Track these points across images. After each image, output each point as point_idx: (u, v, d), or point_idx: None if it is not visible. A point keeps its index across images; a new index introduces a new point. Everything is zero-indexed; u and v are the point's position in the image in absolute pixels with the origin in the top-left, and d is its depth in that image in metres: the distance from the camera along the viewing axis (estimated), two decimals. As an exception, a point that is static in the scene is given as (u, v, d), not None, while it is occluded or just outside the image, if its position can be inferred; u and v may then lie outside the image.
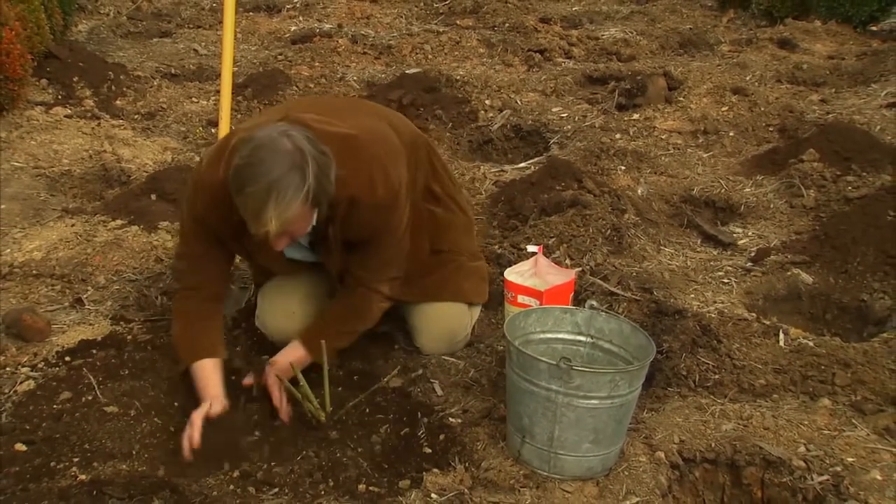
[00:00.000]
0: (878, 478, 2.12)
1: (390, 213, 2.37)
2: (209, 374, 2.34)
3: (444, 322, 2.68)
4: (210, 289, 2.45)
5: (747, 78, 5.26)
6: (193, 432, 2.18)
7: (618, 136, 4.54)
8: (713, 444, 2.26)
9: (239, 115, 4.75)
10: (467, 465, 2.19)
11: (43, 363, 2.56)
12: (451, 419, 2.40)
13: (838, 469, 2.16)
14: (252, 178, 2.01)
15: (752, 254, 3.31)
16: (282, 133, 2.07)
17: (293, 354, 2.43)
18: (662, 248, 3.38)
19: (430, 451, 2.27)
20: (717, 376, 2.53)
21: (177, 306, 2.48)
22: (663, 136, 4.55)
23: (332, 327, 2.47)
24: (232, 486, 2.10)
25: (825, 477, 2.14)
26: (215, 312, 2.47)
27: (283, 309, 2.63)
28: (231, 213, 2.18)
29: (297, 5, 7.47)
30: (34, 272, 3.06)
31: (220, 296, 2.50)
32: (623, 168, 4.10)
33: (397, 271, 2.51)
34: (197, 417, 2.21)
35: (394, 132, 2.48)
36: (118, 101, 4.99)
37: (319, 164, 2.07)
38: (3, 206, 3.57)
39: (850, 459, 2.19)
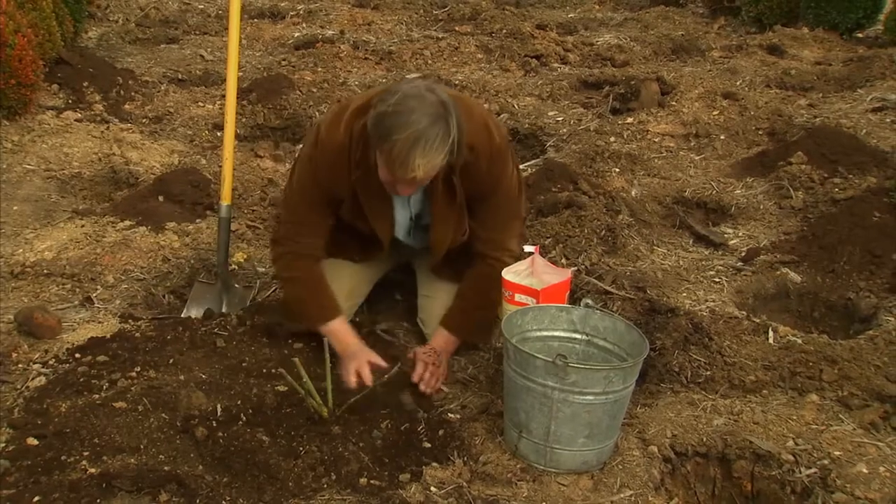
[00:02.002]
0: (864, 471, 2.15)
1: (506, 161, 2.47)
2: (346, 333, 2.56)
3: None
4: (318, 254, 2.59)
5: (737, 83, 5.30)
6: (364, 371, 2.42)
7: (612, 139, 4.56)
8: (705, 439, 2.28)
9: (243, 119, 4.78)
10: (466, 458, 2.21)
11: (54, 360, 2.58)
12: (450, 414, 2.43)
13: (825, 462, 2.18)
14: (401, 126, 2.08)
15: (743, 254, 3.33)
16: (426, 87, 2.17)
17: (440, 340, 2.59)
18: (655, 248, 3.40)
19: (429, 445, 2.29)
20: (708, 373, 2.54)
21: (288, 272, 2.61)
22: (656, 140, 4.58)
23: (472, 303, 2.58)
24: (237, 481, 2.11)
25: (813, 470, 2.16)
26: (324, 275, 2.62)
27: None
28: (349, 174, 2.32)
29: (301, 12, 7.48)
30: (45, 271, 3.09)
31: (322, 255, 2.64)
32: (617, 170, 4.12)
33: (521, 226, 2.63)
34: (364, 364, 2.45)
35: None
36: (127, 106, 5.03)
37: (458, 118, 2.15)
38: (15, 208, 3.60)
39: (836, 453, 2.21)
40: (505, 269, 2.61)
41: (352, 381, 2.44)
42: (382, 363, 2.50)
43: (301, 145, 2.69)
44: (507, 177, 2.50)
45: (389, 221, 2.58)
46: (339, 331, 2.57)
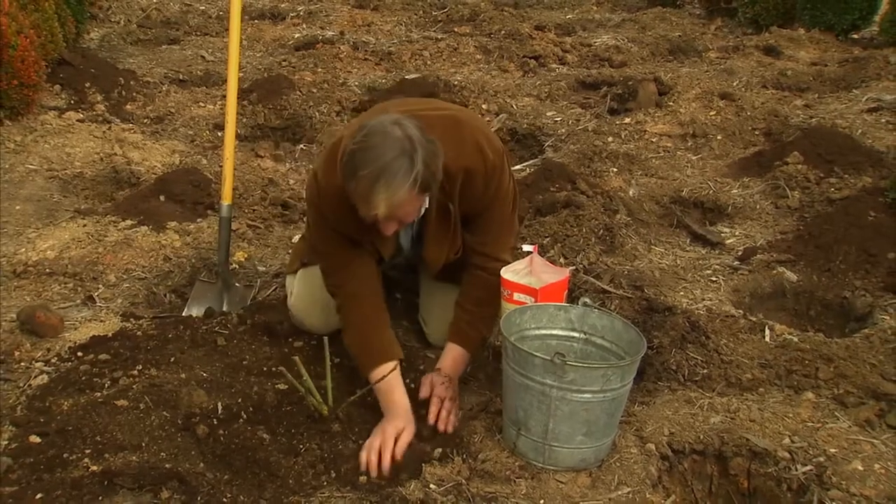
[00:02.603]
0: (860, 468, 2.15)
1: (501, 176, 2.44)
2: (393, 386, 2.37)
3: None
4: (371, 288, 2.49)
5: (734, 84, 5.32)
6: (390, 449, 2.22)
7: (610, 139, 4.58)
8: (702, 436, 2.28)
9: (244, 119, 4.79)
10: (465, 456, 2.21)
11: (56, 358, 2.59)
12: (449, 412, 2.43)
13: (821, 460, 2.18)
14: (363, 163, 2.06)
15: (739, 253, 3.34)
16: (393, 122, 2.13)
17: (451, 360, 2.50)
18: (653, 247, 3.41)
19: (428, 443, 2.29)
20: (705, 371, 2.55)
21: (345, 317, 2.49)
22: (654, 140, 4.60)
23: (476, 315, 2.54)
24: (237, 479, 2.11)
25: (809, 467, 2.16)
26: (382, 311, 2.50)
27: (321, 304, 2.68)
28: (355, 212, 2.23)
29: (301, 13, 7.51)
30: (47, 271, 3.10)
31: (380, 292, 2.52)
32: (615, 170, 4.14)
33: (515, 239, 2.59)
34: (390, 437, 2.24)
35: None
36: (128, 106, 5.04)
37: (428, 152, 2.12)
38: (17, 207, 3.62)
39: (832, 450, 2.22)
40: (504, 268, 2.62)
41: (372, 460, 2.22)
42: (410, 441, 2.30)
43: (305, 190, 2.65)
44: (503, 192, 2.48)
45: (394, 249, 2.57)
46: (387, 386, 2.37)
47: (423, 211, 2.32)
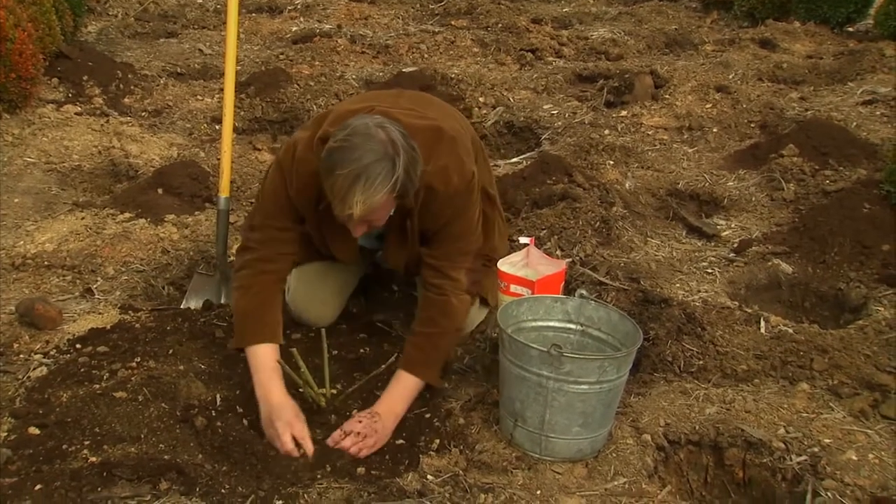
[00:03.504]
0: (854, 458, 2.17)
1: (464, 201, 2.40)
2: (271, 366, 2.32)
3: None
4: (285, 271, 2.49)
5: (730, 76, 5.32)
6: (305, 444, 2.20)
7: (606, 132, 4.58)
8: (697, 427, 2.30)
9: (242, 112, 4.78)
10: (462, 447, 2.23)
11: (55, 350, 2.60)
12: (447, 404, 2.44)
13: (816, 450, 2.20)
14: (344, 162, 2.04)
15: (735, 245, 3.35)
16: (377, 124, 2.11)
17: (388, 396, 2.35)
18: (649, 239, 3.42)
19: (426, 434, 2.31)
20: (700, 362, 2.56)
21: (248, 282, 2.43)
22: (650, 133, 4.60)
23: (423, 338, 2.42)
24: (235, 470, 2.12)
25: (803, 457, 2.18)
26: (280, 294, 2.48)
27: (319, 298, 2.72)
28: (318, 201, 2.21)
29: (298, 6, 7.48)
30: (46, 263, 3.11)
31: (288, 270, 2.53)
32: (611, 163, 4.14)
33: (472, 261, 2.50)
34: (287, 434, 2.20)
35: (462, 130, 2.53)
36: (126, 99, 5.03)
37: (409, 158, 2.11)
38: (16, 200, 3.62)
39: (827, 441, 2.24)
40: (501, 261, 2.62)
41: (289, 446, 2.19)
42: (306, 432, 2.24)
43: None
44: (466, 215, 2.42)
45: (353, 251, 2.54)
46: (266, 363, 2.34)
47: (391, 212, 2.29)
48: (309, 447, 2.21)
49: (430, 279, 2.46)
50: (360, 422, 2.27)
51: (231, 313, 2.81)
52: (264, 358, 2.35)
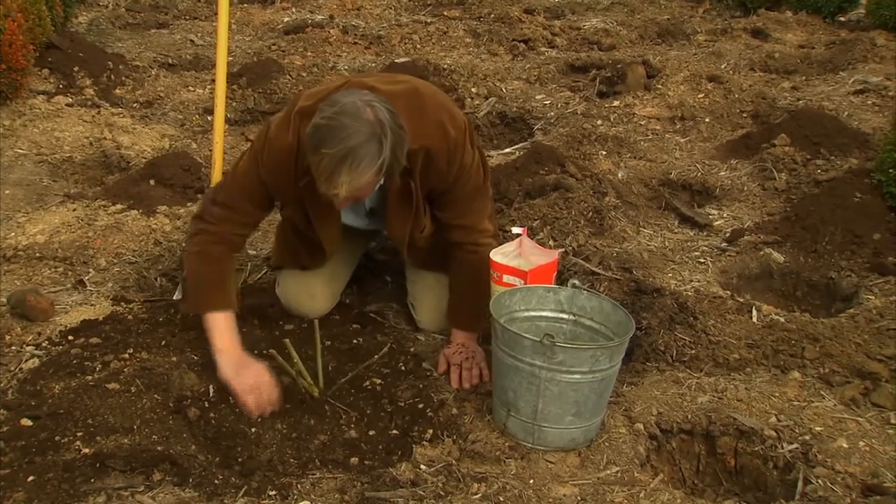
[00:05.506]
0: (845, 445, 2.19)
1: (465, 152, 2.39)
2: (230, 331, 2.42)
3: (444, 295, 2.68)
4: (237, 245, 2.53)
5: (722, 66, 5.33)
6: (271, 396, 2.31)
7: (599, 122, 4.58)
8: (689, 416, 2.31)
9: (234, 103, 4.77)
10: (455, 437, 2.23)
11: (47, 342, 2.59)
12: (439, 394, 2.43)
13: (807, 438, 2.21)
14: (330, 140, 2.02)
15: (727, 234, 3.36)
16: (366, 102, 2.08)
17: (460, 335, 2.55)
18: (642, 229, 3.42)
19: (419, 424, 2.30)
20: (693, 351, 2.57)
21: (201, 248, 2.46)
22: (642, 122, 4.60)
23: (466, 297, 2.55)
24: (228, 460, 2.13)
25: (795, 445, 2.19)
26: (233, 262, 2.54)
27: (306, 291, 2.72)
28: (295, 179, 2.22)
29: (291, -3, 7.48)
30: (37, 255, 3.09)
31: (240, 248, 2.58)
32: (604, 153, 4.14)
33: (490, 204, 2.57)
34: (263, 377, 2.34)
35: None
36: (117, 90, 5.01)
37: (396, 138, 2.08)
38: (7, 192, 3.60)
39: (818, 428, 2.25)
40: (493, 251, 2.62)
41: (251, 406, 2.30)
42: (274, 385, 2.35)
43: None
44: (468, 164, 2.43)
45: (336, 229, 2.53)
46: (225, 327, 2.42)
47: (377, 187, 2.28)
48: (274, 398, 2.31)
49: (461, 239, 2.52)
50: (457, 352, 2.49)
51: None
52: (227, 322, 2.43)
